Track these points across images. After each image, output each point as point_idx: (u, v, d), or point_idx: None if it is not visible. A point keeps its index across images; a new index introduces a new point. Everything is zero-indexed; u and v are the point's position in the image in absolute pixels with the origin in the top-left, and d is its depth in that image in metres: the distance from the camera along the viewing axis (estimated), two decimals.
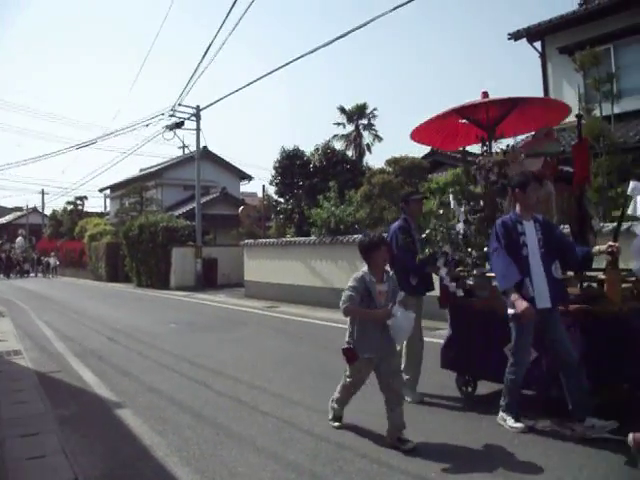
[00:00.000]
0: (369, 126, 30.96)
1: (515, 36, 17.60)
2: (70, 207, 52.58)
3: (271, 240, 20.41)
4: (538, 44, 17.66)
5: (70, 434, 5.59)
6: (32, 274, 47.21)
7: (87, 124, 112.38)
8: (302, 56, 16.67)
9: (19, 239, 56.97)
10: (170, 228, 27.23)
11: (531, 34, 17.44)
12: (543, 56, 17.51)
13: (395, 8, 13.04)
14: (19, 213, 72.53)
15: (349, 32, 14.67)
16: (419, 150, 79.06)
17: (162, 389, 7.32)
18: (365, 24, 14.12)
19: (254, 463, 4.69)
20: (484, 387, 6.50)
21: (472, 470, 4.42)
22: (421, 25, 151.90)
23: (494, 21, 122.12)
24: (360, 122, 30.94)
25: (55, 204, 79.72)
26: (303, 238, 18.56)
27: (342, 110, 30.76)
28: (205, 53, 20.35)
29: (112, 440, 5.42)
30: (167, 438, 5.36)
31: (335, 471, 4.46)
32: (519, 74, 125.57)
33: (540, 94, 17.03)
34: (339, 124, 30.94)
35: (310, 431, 5.47)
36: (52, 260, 44.07)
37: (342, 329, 12.03)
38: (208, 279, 26.27)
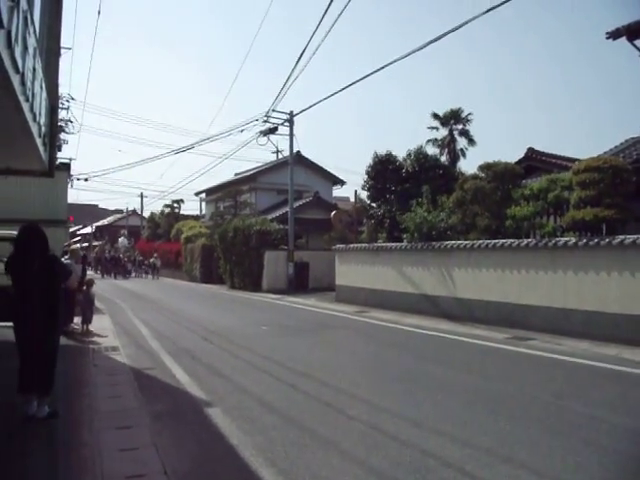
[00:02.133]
0: (464, 132, 30.47)
1: (614, 35, 16.80)
2: (167, 210, 54.23)
3: (362, 245, 20.41)
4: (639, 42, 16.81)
5: (161, 429, 5.77)
6: (133, 274, 47.24)
7: (185, 130, 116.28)
8: (395, 61, 16.53)
9: (122, 239, 57.91)
10: (263, 231, 27.65)
11: (631, 31, 16.64)
12: None
13: (488, 10, 12.73)
14: (119, 215, 75.58)
15: (443, 35, 14.44)
16: (512, 155, 77.23)
17: (251, 390, 7.44)
18: (459, 26, 13.87)
19: (337, 467, 4.70)
20: None
21: None
22: (517, 26, 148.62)
23: (593, 20, 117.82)
24: (454, 127, 30.49)
25: (153, 207, 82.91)
26: (394, 244, 18.47)
27: (435, 116, 30.41)
28: (299, 58, 20.46)
29: (201, 437, 5.56)
30: (254, 438, 5.44)
31: None
32: (618, 75, 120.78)
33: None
34: (432, 128, 30.59)
35: (395, 437, 5.43)
36: (156, 261, 44.04)
37: (432, 336, 12.04)
38: (299, 282, 26.49)
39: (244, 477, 4.54)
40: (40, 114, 8.87)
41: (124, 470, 4.62)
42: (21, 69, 6.16)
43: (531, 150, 20.76)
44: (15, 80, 6.05)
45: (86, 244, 57.09)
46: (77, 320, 12.71)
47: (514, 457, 4.86)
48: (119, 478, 4.46)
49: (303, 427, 5.80)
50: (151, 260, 44.74)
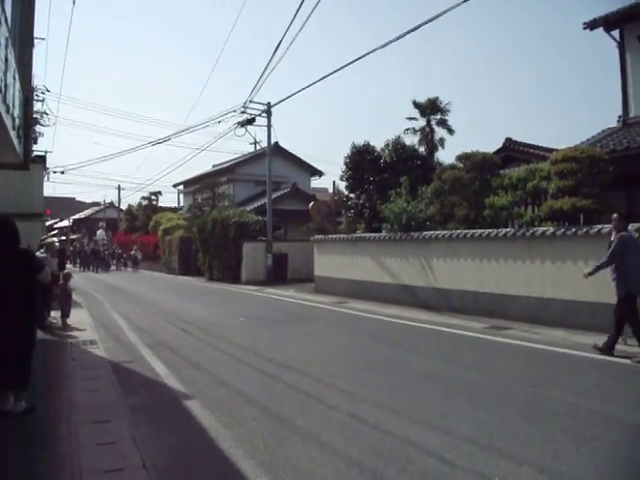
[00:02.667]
0: (442, 121, 30.48)
1: (591, 25, 16.93)
2: (145, 202, 53.93)
3: (341, 236, 20.41)
4: (616, 33, 16.95)
5: (140, 422, 5.73)
6: (113, 267, 46.64)
7: (161, 122, 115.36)
8: (373, 51, 16.50)
9: (100, 231, 56.67)
10: (242, 223, 27.55)
11: (609, 22, 16.75)
12: (621, 46, 16.82)
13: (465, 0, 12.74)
14: (97, 208, 74.88)
15: (420, 25, 14.44)
16: (490, 145, 77.63)
17: (230, 382, 7.42)
18: (436, 17, 13.88)
19: (317, 458, 4.70)
20: None
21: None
22: (492, 19, 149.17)
23: (568, 11, 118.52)
24: (432, 117, 30.48)
25: (131, 199, 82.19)
26: (373, 234, 18.49)
27: (415, 105, 30.36)
28: (275, 50, 20.40)
29: (180, 430, 5.54)
30: (233, 430, 5.42)
31: (398, 470, 4.42)
32: (596, 65, 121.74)
33: (618, 85, 16.48)
34: (411, 119, 30.53)
35: (375, 427, 5.44)
36: (136, 253, 43.55)
37: (410, 326, 12.08)
38: (278, 274, 26.46)
39: (223, 469, 4.52)
40: (14, 106, 8.75)
41: (103, 464, 4.58)
42: None
43: (509, 140, 20.91)
44: None
45: (64, 237, 56.29)
46: (55, 314, 12.60)
47: (493, 445, 4.88)
48: (98, 472, 4.43)
49: (282, 418, 5.79)
50: (131, 253, 44.30)
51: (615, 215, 9.05)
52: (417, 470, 4.39)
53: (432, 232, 15.48)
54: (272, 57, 20.89)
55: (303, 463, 4.59)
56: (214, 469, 4.55)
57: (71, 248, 52.61)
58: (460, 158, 16.08)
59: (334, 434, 5.28)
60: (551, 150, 16.30)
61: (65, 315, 12.26)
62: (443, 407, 6.10)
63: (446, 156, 57.61)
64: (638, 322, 8.65)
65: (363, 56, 17.33)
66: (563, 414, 5.77)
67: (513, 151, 20.62)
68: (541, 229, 12.29)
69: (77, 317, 13.19)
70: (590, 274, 9.01)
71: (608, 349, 8.76)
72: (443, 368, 8.13)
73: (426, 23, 14.20)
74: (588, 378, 7.49)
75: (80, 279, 29.69)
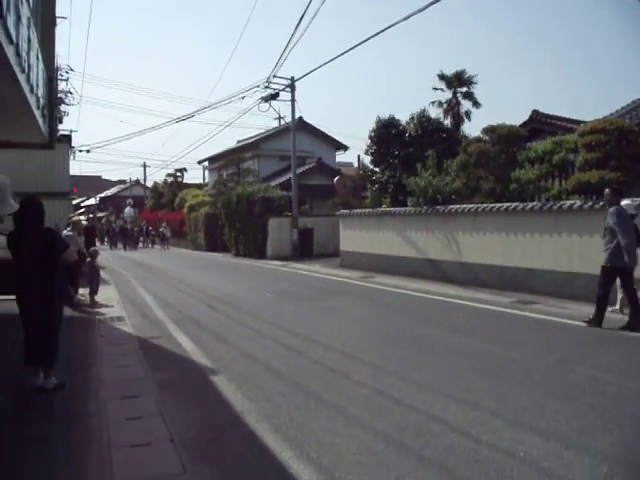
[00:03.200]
0: (468, 94, 30.00)
1: None
2: (170, 179, 54.20)
3: (366, 210, 20.36)
4: None
5: (167, 397, 5.80)
6: (141, 244, 45.99)
7: (185, 98, 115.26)
8: (397, 23, 16.29)
9: (128, 209, 56.25)
10: (267, 198, 27.60)
11: None
12: None
13: None
14: (123, 186, 75.47)
15: None
16: (517, 117, 76.51)
17: (256, 356, 7.47)
18: None
19: (342, 432, 4.72)
20: None
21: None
22: None
23: None
24: (458, 89, 30.00)
25: (156, 176, 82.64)
26: (399, 208, 18.40)
27: (441, 77, 29.91)
28: (298, 23, 20.24)
29: (206, 405, 5.60)
30: (259, 404, 5.48)
31: (422, 444, 4.43)
32: (627, 34, 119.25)
33: None
34: (437, 89, 30.03)
35: (400, 402, 5.45)
36: (165, 231, 42.30)
37: (436, 301, 12.06)
38: (304, 249, 26.53)
39: (249, 443, 4.57)
40: (38, 85, 8.79)
41: (130, 439, 4.66)
42: (15, 39, 6.07)
43: (535, 112, 20.57)
44: (9, 51, 5.97)
45: (91, 215, 56.82)
46: (83, 291, 12.76)
47: (518, 421, 4.87)
48: (125, 447, 4.50)
49: (308, 393, 5.83)
50: (160, 230, 43.46)
51: (607, 190, 9.28)
52: (442, 445, 4.40)
53: (458, 206, 15.36)
54: (295, 30, 20.76)
55: (328, 437, 4.62)
56: (240, 443, 4.59)
57: (99, 226, 51.89)
58: (486, 131, 15.88)
59: (359, 408, 5.31)
60: (579, 122, 16.01)
61: (93, 292, 12.40)
62: (468, 382, 6.09)
63: (472, 129, 57.04)
64: (606, 296, 9.05)
65: (387, 28, 17.15)
66: (590, 390, 5.73)
67: (540, 123, 20.28)
68: (568, 202, 12.13)
69: (105, 294, 13.34)
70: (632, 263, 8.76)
71: (598, 323, 9.00)
72: (469, 342, 8.11)
73: None
74: (616, 353, 7.44)
75: (108, 256, 30.02)
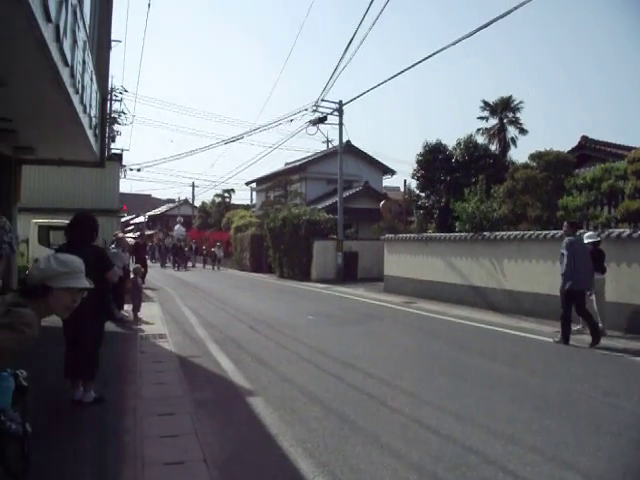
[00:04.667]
0: (514, 120, 29.78)
1: None
2: (218, 199, 54.83)
3: (411, 235, 20.24)
4: None
5: (203, 417, 5.81)
6: (190, 264, 43.41)
7: (234, 120, 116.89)
8: (444, 48, 16.26)
9: (178, 227, 54.68)
10: (313, 221, 27.67)
11: None
12: None
13: None
14: (171, 205, 76.62)
15: (491, 22, 14.12)
16: (565, 144, 75.45)
17: (295, 380, 7.44)
18: (508, 12, 13.56)
19: (376, 460, 4.65)
20: None
21: None
22: (574, 5, 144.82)
23: None
24: (505, 115, 29.80)
25: (204, 196, 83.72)
26: (444, 234, 18.26)
27: (485, 104, 29.77)
28: (347, 48, 20.47)
29: (242, 426, 5.58)
30: (294, 428, 5.44)
31: (458, 477, 4.33)
32: None
33: None
34: (482, 118, 29.91)
35: (437, 432, 5.35)
36: (218, 251, 40.62)
37: (478, 328, 11.88)
38: (348, 272, 26.46)
39: (282, 467, 4.54)
40: (90, 106, 9.04)
41: (164, 457, 4.68)
42: (70, 62, 6.27)
43: (585, 138, 20.25)
44: (64, 73, 6.17)
45: (138, 233, 57.46)
46: (127, 307, 12.94)
47: (559, 456, 4.73)
48: (158, 464, 4.51)
49: (344, 418, 5.77)
50: (212, 249, 41.76)
51: (565, 222, 10.74)
52: (477, 478, 4.29)
53: (504, 232, 15.16)
54: (343, 55, 20.91)
55: (362, 465, 4.55)
56: (273, 467, 4.56)
57: (150, 243, 51.05)
58: (533, 157, 15.74)
59: (395, 437, 5.23)
60: (629, 148, 15.72)
61: (136, 309, 12.57)
62: (508, 413, 5.95)
63: (518, 155, 56.38)
64: (587, 312, 10.24)
65: (432, 55, 17.13)
66: (635, 426, 5.55)
67: (589, 150, 19.95)
68: (617, 230, 11.85)
69: (148, 311, 13.51)
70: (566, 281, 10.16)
71: (564, 341, 10.11)
72: (511, 372, 7.94)
73: (500, 18, 13.87)
74: None
75: (155, 274, 30.36)
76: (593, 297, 10.92)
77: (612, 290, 11.50)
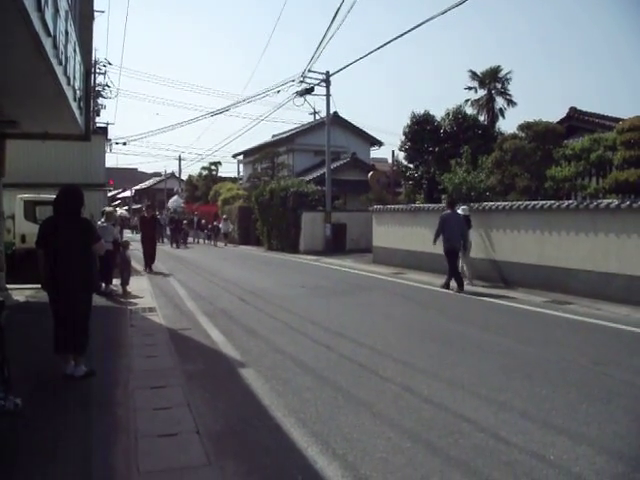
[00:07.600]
0: (502, 91, 29.66)
1: None
2: (205, 172, 54.58)
3: (400, 206, 20.19)
4: None
5: (195, 389, 5.82)
6: (190, 239, 39.26)
7: (220, 92, 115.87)
8: (432, 18, 16.15)
9: (175, 197, 51.24)
10: (300, 193, 27.61)
11: None
12: None
13: None
14: (158, 178, 76.20)
15: None
16: (554, 114, 75.40)
17: (286, 350, 7.46)
18: None
19: (369, 429, 4.68)
20: None
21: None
22: None
23: None
24: (493, 86, 29.66)
25: (191, 169, 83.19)
26: (432, 205, 18.21)
27: (473, 74, 29.60)
28: (334, 17, 20.15)
29: (234, 397, 5.60)
30: (287, 399, 5.46)
31: (450, 444, 4.36)
32: None
33: None
34: (470, 88, 29.78)
35: (429, 400, 5.39)
36: (223, 225, 36.37)
37: (467, 299, 11.92)
38: (337, 244, 26.47)
39: (275, 437, 4.56)
40: (74, 78, 8.89)
41: (157, 429, 4.69)
42: (52, 32, 6.14)
43: (573, 109, 20.22)
44: (47, 43, 6.04)
45: (126, 207, 56.83)
46: (116, 282, 12.89)
47: (550, 423, 4.77)
48: (152, 437, 4.52)
49: (336, 388, 5.79)
50: (215, 223, 38.76)
51: (444, 197, 14.01)
52: (470, 445, 4.33)
53: (492, 203, 15.16)
54: (330, 25, 20.71)
55: (355, 434, 4.58)
56: (266, 437, 4.58)
57: (135, 218, 46.34)
58: (522, 127, 15.68)
59: (387, 405, 5.26)
60: (618, 120, 15.69)
61: (125, 282, 12.52)
62: (499, 381, 6.00)
63: (507, 126, 56.29)
64: (456, 270, 13.46)
65: (421, 24, 17.02)
66: (624, 393, 5.60)
67: (578, 121, 19.93)
68: (605, 201, 11.86)
69: (137, 285, 13.47)
70: (434, 242, 13.73)
71: (445, 286, 13.42)
72: (500, 341, 7.99)
73: None
74: None
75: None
76: (460, 253, 13.82)
77: (615, 261, 11.61)
